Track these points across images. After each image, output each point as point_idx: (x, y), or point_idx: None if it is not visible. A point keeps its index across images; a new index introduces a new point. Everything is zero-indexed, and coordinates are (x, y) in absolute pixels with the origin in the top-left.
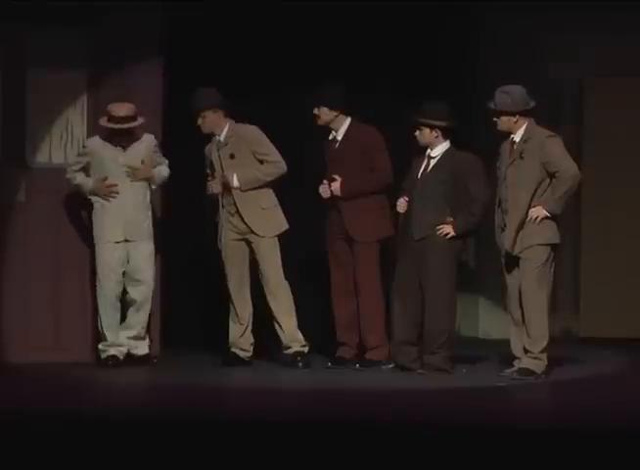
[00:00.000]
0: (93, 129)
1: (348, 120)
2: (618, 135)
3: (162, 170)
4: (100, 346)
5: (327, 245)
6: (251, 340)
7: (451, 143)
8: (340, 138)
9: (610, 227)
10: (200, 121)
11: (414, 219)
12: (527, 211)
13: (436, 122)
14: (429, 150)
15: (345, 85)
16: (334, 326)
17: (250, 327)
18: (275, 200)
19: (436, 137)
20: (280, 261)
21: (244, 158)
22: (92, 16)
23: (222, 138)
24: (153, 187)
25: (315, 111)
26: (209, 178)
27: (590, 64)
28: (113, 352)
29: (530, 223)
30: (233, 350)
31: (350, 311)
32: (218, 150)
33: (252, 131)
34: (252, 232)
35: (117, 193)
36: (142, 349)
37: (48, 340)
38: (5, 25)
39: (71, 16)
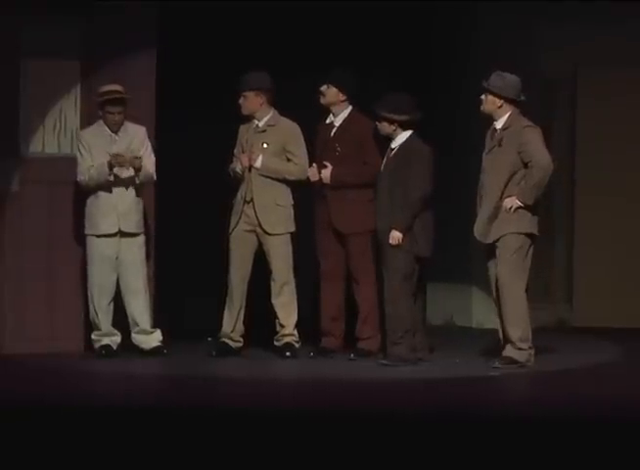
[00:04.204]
0: (87, 119)
1: (350, 108)
2: (612, 122)
3: (149, 167)
4: (93, 336)
5: (315, 234)
6: (242, 331)
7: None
8: (337, 124)
9: (604, 216)
10: (240, 100)
11: (377, 211)
12: (499, 199)
13: (394, 116)
14: (392, 141)
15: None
16: (318, 315)
17: (242, 318)
18: (291, 200)
19: (394, 130)
20: (291, 261)
21: (275, 149)
22: (86, 5)
23: (261, 124)
24: (137, 181)
25: (323, 88)
26: (235, 159)
27: (585, 51)
28: (106, 341)
29: (504, 212)
30: (224, 340)
31: (337, 302)
32: (253, 134)
33: (293, 128)
34: (260, 226)
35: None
36: (148, 343)
37: (41, 330)
38: None
39: (66, 5)
